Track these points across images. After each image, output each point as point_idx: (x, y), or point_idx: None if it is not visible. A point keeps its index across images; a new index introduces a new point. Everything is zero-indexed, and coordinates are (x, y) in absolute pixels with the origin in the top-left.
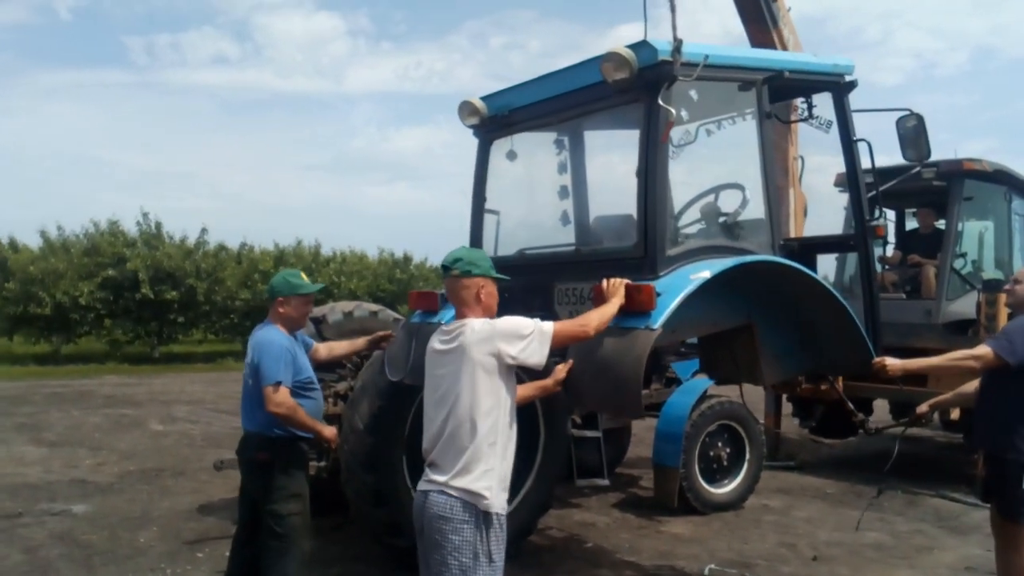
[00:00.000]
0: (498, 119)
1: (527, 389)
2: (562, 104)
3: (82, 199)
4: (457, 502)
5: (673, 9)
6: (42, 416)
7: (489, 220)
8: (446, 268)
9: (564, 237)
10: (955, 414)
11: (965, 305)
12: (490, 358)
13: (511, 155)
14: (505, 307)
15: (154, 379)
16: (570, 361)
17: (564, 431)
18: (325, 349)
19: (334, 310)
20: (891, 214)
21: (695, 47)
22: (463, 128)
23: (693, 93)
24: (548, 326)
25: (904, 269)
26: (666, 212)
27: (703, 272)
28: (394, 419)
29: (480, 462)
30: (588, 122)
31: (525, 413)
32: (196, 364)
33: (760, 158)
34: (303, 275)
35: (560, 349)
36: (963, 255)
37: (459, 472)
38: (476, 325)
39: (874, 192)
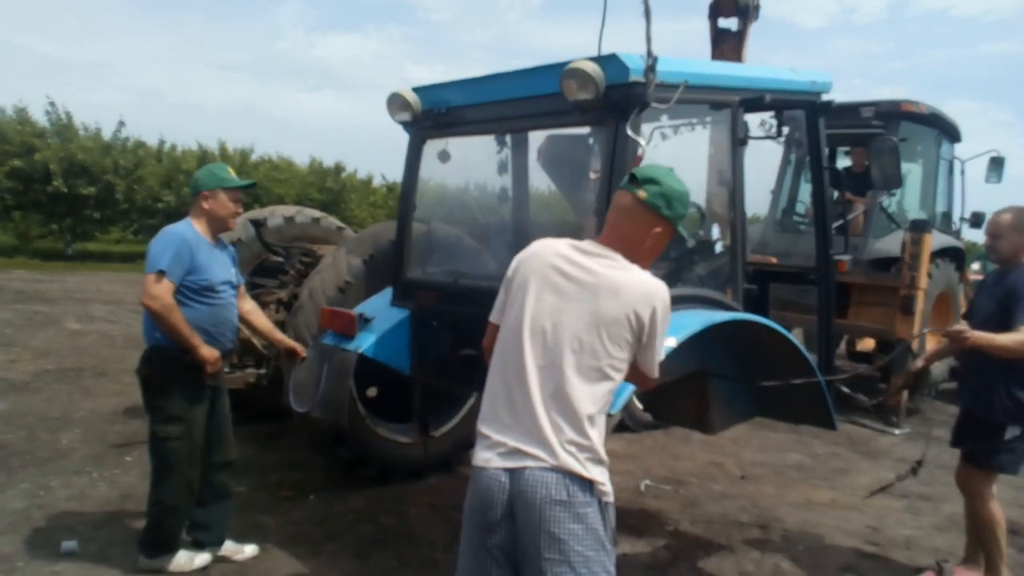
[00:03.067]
0: (433, 116)
1: None
2: (510, 111)
3: None
4: (575, 482)
5: (647, 16)
6: None
7: (419, 231)
8: (633, 183)
9: (505, 264)
10: (863, 345)
11: (890, 243)
12: (630, 323)
13: (443, 156)
14: (429, 342)
15: (68, 276)
16: None
17: None
18: (248, 304)
19: (274, 214)
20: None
21: (670, 63)
22: (395, 39)
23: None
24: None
25: (834, 206)
26: None
27: (668, 340)
28: None
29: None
30: (532, 138)
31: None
32: (113, 263)
33: (730, 185)
34: (230, 170)
35: None
36: (893, 194)
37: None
38: (643, 279)
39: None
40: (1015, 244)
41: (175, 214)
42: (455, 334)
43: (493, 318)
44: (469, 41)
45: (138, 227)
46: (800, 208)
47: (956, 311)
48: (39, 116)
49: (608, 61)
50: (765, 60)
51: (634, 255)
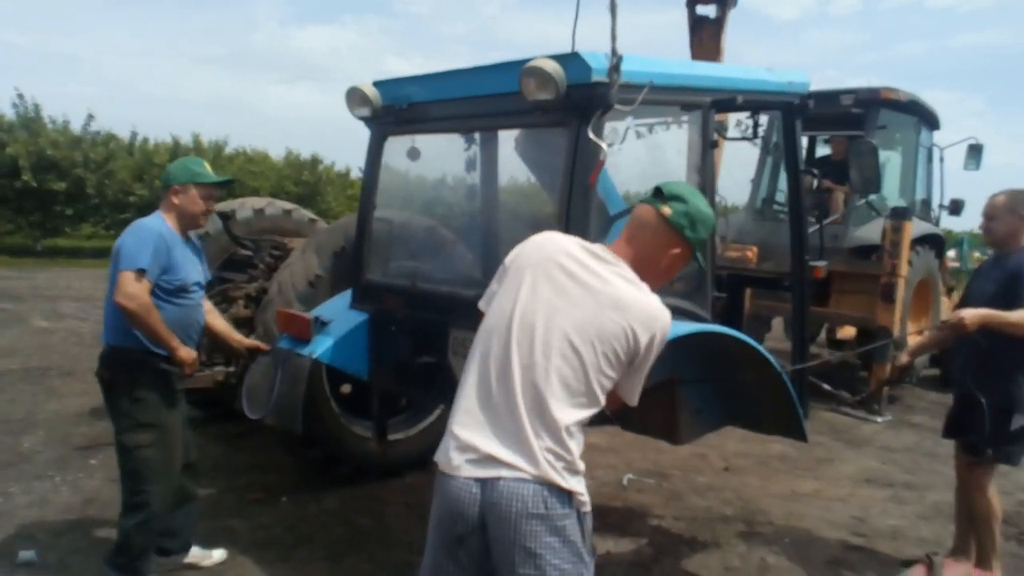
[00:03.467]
0: (394, 112)
1: None
2: (472, 108)
3: None
4: (553, 494)
5: (613, 11)
6: None
7: (380, 231)
8: (659, 198)
9: (467, 269)
10: (843, 333)
11: (870, 231)
12: (627, 342)
13: (412, 154)
14: (388, 347)
15: (37, 273)
16: None
17: None
18: (205, 304)
19: (244, 206)
20: (804, 140)
21: (636, 63)
22: (373, 31)
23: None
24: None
25: (814, 194)
26: None
27: None
28: None
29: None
30: (501, 135)
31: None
32: (84, 259)
33: (701, 189)
34: (206, 165)
35: None
36: (868, 197)
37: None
38: (651, 301)
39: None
40: (1009, 226)
41: (148, 208)
42: (415, 340)
43: (482, 305)
44: (448, 33)
45: (109, 222)
46: (780, 197)
47: (936, 298)
48: (6, 109)
49: (570, 60)
50: (740, 52)
51: (646, 273)
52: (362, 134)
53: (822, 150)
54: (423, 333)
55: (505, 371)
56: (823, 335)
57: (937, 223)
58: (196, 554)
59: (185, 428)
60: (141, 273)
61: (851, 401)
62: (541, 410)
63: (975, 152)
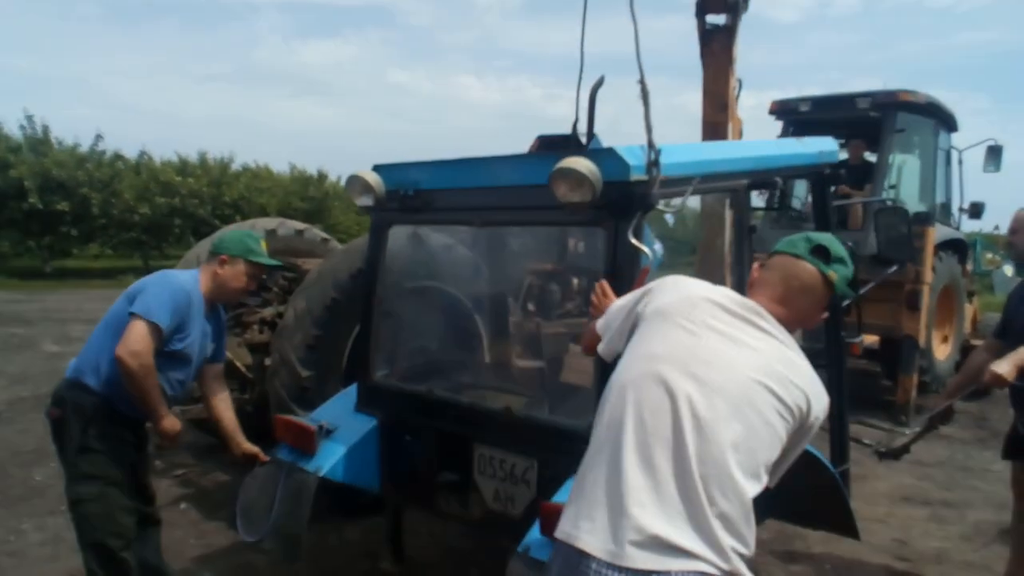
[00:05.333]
0: (399, 198)
1: None
2: (488, 200)
3: None
4: None
5: (645, 100)
6: None
7: (387, 326)
8: (820, 257)
9: (490, 377)
10: (866, 341)
11: None
12: (796, 415)
13: (415, 239)
14: (401, 459)
15: (47, 296)
16: None
17: None
18: (221, 392)
19: (255, 227)
20: None
21: (675, 153)
22: (374, 43)
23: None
24: None
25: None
26: None
27: None
28: (331, 350)
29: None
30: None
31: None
32: (93, 280)
33: (736, 272)
34: (264, 244)
35: None
36: (892, 187)
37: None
38: (816, 376)
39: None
40: None
41: (152, 227)
42: (433, 454)
43: (602, 349)
44: (450, 43)
45: (116, 242)
46: (796, 203)
47: (960, 304)
48: (14, 132)
49: (604, 156)
50: (741, 57)
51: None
52: (368, 152)
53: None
54: (442, 447)
55: (675, 432)
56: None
57: (958, 227)
58: None
59: (147, 477)
60: (156, 330)
61: (879, 449)
62: (723, 488)
63: (995, 154)
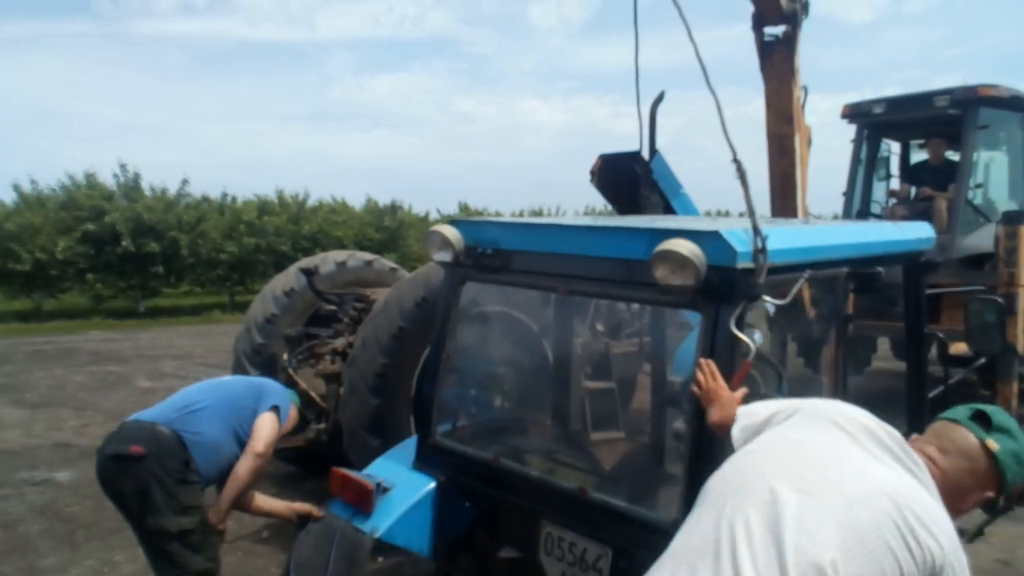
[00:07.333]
0: (476, 256)
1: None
2: (574, 268)
3: (49, 154)
4: None
5: (743, 180)
6: (24, 376)
7: (454, 386)
8: (981, 424)
9: (563, 449)
10: (956, 349)
11: (980, 238)
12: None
13: (491, 298)
14: (458, 526)
15: (140, 334)
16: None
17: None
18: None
19: (326, 260)
20: (896, 146)
21: (781, 238)
22: (441, 73)
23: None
24: None
25: (914, 203)
26: None
27: None
28: (399, 378)
29: None
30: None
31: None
32: (183, 317)
33: (834, 369)
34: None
35: None
36: (978, 186)
37: None
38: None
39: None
40: None
41: (238, 264)
42: (494, 526)
43: (737, 435)
44: (513, 68)
45: (203, 279)
46: (876, 208)
47: None
48: (107, 179)
49: (708, 239)
50: (813, 61)
51: (947, 506)
52: (440, 178)
53: (917, 156)
54: (506, 520)
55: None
56: (934, 350)
57: None
58: None
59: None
60: (279, 424)
61: (995, 515)
62: None
63: None
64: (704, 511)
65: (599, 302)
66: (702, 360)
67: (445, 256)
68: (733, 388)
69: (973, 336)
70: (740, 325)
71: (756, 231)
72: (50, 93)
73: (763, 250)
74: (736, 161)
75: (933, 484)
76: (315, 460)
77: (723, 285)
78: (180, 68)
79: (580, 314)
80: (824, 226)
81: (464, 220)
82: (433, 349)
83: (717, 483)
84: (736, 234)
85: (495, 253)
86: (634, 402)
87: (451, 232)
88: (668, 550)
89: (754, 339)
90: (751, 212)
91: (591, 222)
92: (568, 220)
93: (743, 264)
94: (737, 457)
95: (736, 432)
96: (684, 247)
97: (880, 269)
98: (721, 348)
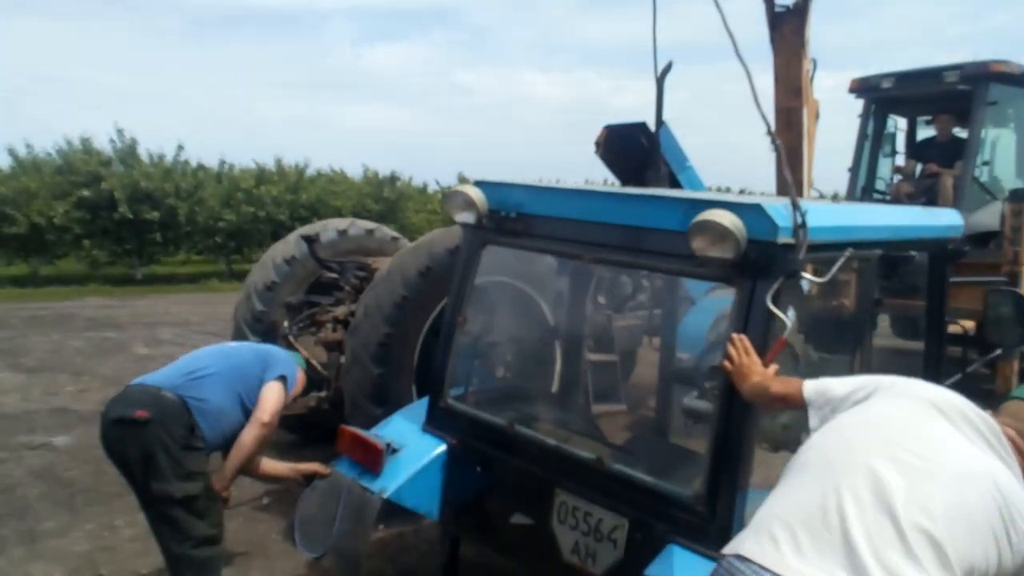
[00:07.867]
0: (498, 219)
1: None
2: (602, 236)
3: (46, 118)
4: None
5: (780, 159)
6: (20, 340)
7: (471, 348)
8: None
9: (576, 420)
10: (954, 328)
11: (986, 216)
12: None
13: (511, 262)
14: (468, 491)
15: (138, 300)
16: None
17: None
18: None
19: (327, 228)
20: (902, 122)
21: (821, 215)
22: (440, 44)
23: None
24: None
25: (920, 180)
26: (750, 467)
27: None
28: (402, 347)
29: None
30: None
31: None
32: (180, 285)
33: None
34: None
35: None
36: (985, 163)
37: None
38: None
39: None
40: None
41: (236, 232)
42: (505, 491)
43: (814, 422)
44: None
45: (201, 247)
46: (880, 185)
47: None
48: (104, 144)
49: (748, 211)
50: (817, 35)
51: None
52: (438, 150)
53: (923, 132)
54: (518, 486)
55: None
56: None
57: None
58: None
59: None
60: (285, 393)
61: None
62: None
63: None
64: (807, 480)
65: (621, 272)
66: (735, 335)
67: (468, 217)
68: (766, 365)
69: (990, 328)
70: (777, 301)
71: (795, 206)
72: (48, 59)
73: (804, 226)
74: (771, 133)
75: (1020, 473)
76: (315, 428)
77: (761, 260)
78: (177, 34)
79: (603, 285)
80: (863, 206)
81: (489, 182)
82: (449, 311)
83: (814, 456)
84: (777, 208)
85: (519, 217)
86: (645, 376)
87: (475, 193)
88: (763, 513)
89: (788, 316)
90: (791, 188)
91: (622, 190)
92: (598, 187)
93: (783, 239)
94: (831, 431)
95: (812, 410)
96: (726, 218)
97: (914, 253)
98: (755, 324)
